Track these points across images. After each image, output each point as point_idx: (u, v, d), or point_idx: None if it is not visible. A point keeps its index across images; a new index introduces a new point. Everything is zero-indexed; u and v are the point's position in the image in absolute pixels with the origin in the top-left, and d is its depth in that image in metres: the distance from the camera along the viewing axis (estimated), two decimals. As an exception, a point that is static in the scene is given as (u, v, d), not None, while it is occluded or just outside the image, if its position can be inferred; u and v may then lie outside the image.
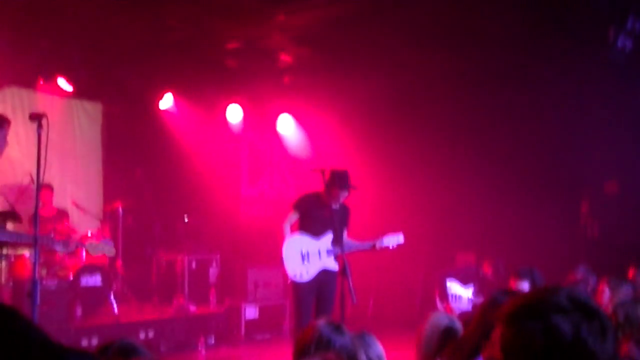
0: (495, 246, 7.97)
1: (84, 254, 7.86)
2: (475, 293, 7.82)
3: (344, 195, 5.84)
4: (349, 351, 2.64)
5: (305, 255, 5.77)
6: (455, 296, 7.71)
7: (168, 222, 9.53)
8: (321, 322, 2.73)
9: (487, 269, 7.88)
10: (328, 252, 5.83)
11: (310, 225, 5.87)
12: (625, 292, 3.78)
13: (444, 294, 7.72)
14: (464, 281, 7.79)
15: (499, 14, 6.96)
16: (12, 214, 4.63)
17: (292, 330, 5.93)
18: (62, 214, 8.39)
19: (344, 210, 6.02)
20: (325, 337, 2.63)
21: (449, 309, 7.69)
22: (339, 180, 5.72)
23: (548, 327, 1.30)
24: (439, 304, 7.81)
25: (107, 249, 4.89)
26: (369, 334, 2.92)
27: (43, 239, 4.35)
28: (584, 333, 1.29)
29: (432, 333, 2.69)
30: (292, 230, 5.93)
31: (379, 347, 2.87)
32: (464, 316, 7.76)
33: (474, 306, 7.72)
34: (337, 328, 2.70)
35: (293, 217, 5.92)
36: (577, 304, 1.32)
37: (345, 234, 6.04)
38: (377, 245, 5.90)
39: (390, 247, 5.92)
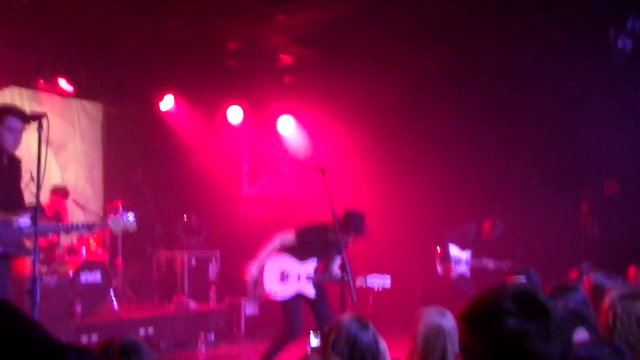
0: (496, 246, 7.98)
1: (84, 251, 7.88)
2: (472, 256, 7.89)
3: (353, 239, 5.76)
4: (373, 349, 2.68)
5: (284, 276, 5.80)
6: (455, 259, 7.78)
7: (168, 221, 9.55)
8: (347, 319, 2.76)
9: (487, 228, 7.92)
10: (308, 278, 5.83)
11: (301, 251, 5.89)
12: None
13: (446, 257, 7.77)
14: (463, 246, 7.86)
15: (499, 14, 6.97)
16: (41, 210, 4.68)
17: (283, 330, 5.93)
18: (59, 215, 8.36)
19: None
20: (352, 335, 2.67)
21: (448, 271, 7.73)
22: (355, 226, 5.62)
23: (493, 331, 1.32)
24: (438, 267, 7.84)
25: (129, 224, 4.86)
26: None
27: (69, 227, 4.40)
28: (529, 336, 1.30)
29: (427, 332, 2.70)
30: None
31: (382, 343, 2.89)
32: (461, 280, 7.82)
33: (472, 269, 7.82)
34: (364, 325, 2.74)
35: (290, 241, 5.84)
36: (523, 306, 1.33)
37: (337, 264, 5.93)
38: (359, 284, 5.58)
39: (375, 289, 5.69)
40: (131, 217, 4.83)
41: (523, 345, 1.30)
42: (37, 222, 4.21)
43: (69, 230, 4.23)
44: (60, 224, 4.80)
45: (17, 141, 4.41)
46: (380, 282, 5.68)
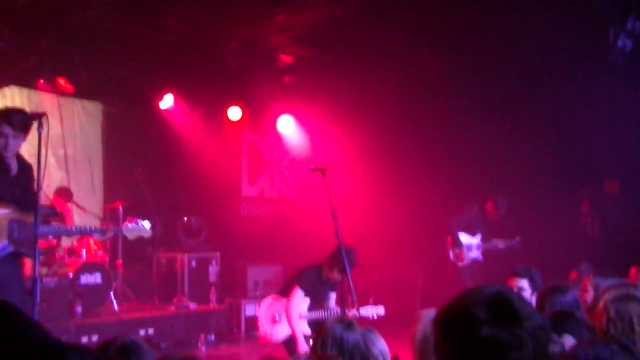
0: (502, 224, 8.01)
1: (84, 253, 7.88)
2: (483, 240, 7.91)
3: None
4: (360, 347, 2.68)
5: (277, 318, 5.88)
6: (467, 246, 7.81)
7: (168, 222, 9.54)
8: (330, 322, 2.77)
9: (490, 207, 7.92)
10: (302, 316, 5.88)
11: (290, 285, 6.00)
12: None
13: (457, 243, 7.81)
14: (472, 232, 7.88)
15: (499, 15, 6.96)
16: (54, 210, 4.69)
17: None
18: (60, 215, 8.37)
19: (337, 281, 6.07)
20: (338, 336, 2.67)
21: (460, 256, 7.75)
22: (348, 258, 5.64)
23: (464, 339, 1.31)
24: (451, 253, 7.85)
25: (144, 231, 4.82)
26: (373, 331, 2.93)
27: (83, 230, 4.39)
28: (502, 344, 1.29)
29: (423, 332, 2.69)
30: (282, 295, 5.98)
31: (382, 344, 2.89)
32: (472, 267, 7.81)
33: (484, 253, 7.85)
34: (349, 325, 2.74)
35: (300, 295, 5.90)
36: (495, 314, 1.32)
37: (333, 299, 6.11)
38: (352, 314, 5.58)
39: (371, 318, 5.73)
40: (147, 224, 4.79)
41: (494, 353, 1.29)
42: (37, 223, 4.20)
43: (82, 233, 4.20)
44: (74, 227, 4.80)
45: (6, 146, 4.35)
46: (373, 311, 5.81)
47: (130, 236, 4.80)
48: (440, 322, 1.40)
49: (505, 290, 1.42)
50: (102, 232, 4.69)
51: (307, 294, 5.90)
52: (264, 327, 5.87)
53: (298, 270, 6.19)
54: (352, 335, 2.74)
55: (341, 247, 5.64)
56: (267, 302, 6.04)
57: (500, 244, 7.90)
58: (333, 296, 6.17)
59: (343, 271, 5.60)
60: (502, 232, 8.05)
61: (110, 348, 2.27)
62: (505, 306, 1.34)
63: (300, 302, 5.87)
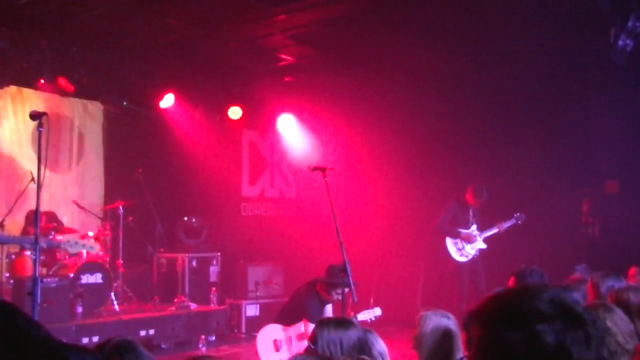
0: (496, 245, 7.97)
1: (84, 252, 7.87)
2: (479, 229, 7.86)
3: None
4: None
5: (278, 345, 5.87)
6: (466, 234, 7.74)
7: (168, 222, 9.54)
8: (325, 320, 2.79)
9: (470, 198, 7.86)
10: (300, 336, 5.90)
11: (292, 317, 6.00)
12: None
13: (456, 235, 7.76)
14: (465, 226, 7.81)
15: (499, 15, 6.96)
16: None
17: None
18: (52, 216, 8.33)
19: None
20: (337, 335, 2.70)
21: (464, 250, 7.70)
22: (346, 276, 5.65)
23: (529, 336, 1.22)
24: (452, 250, 7.79)
25: (88, 245, 4.91)
26: (372, 332, 2.94)
27: (17, 240, 4.40)
28: (568, 343, 1.22)
29: (429, 333, 2.70)
30: (282, 323, 6.01)
31: (382, 344, 2.89)
32: (474, 262, 7.71)
33: (485, 240, 7.81)
34: (345, 323, 2.76)
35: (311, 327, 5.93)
36: (560, 311, 1.25)
37: (329, 312, 6.22)
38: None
39: (369, 321, 5.77)
40: (90, 243, 4.88)
41: (564, 353, 1.21)
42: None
43: (14, 242, 4.21)
44: (12, 236, 4.92)
45: None
46: (370, 314, 5.85)
47: (71, 250, 4.93)
48: (495, 318, 1.27)
49: (559, 290, 1.33)
50: (48, 243, 4.71)
51: (314, 321, 5.94)
52: (266, 356, 5.81)
53: (297, 299, 6.18)
54: (354, 332, 2.77)
55: (335, 269, 5.76)
56: (266, 330, 5.99)
57: (501, 226, 7.82)
58: (329, 308, 6.22)
59: (338, 292, 5.79)
60: (498, 214, 8.01)
61: (105, 348, 2.28)
62: (568, 304, 1.27)
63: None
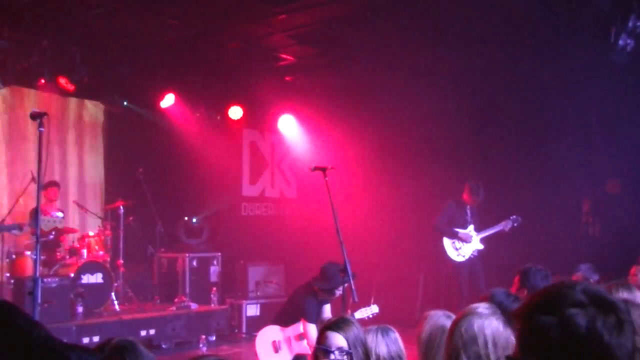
0: (496, 245, 7.97)
1: (84, 252, 7.88)
2: (477, 229, 7.84)
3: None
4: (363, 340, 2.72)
5: (277, 346, 5.88)
6: (464, 235, 7.72)
7: (169, 221, 9.54)
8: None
9: (467, 197, 7.85)
10: (298, 336, 5.91)
11: (291, 317, 5.99)
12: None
13: (454, 235, 7.74)
14: (462, 227, 7.79)
15: (500, 13, 6.96)
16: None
17: None
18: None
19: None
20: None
21: (461, 249, 7.68)
22: (346, 276, 5.66)
23: (562, 320, 1.28)
24: (450, 250, 7.77)
25: (57, 221, 5.00)
26: (390, 329, 2.94)
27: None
28: (599, 327, 1.26)
29: (432, 333, 2.70)
30: (280, 324, 6.02)
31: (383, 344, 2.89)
32: (473, 261, 7.69)
33: (482, 240, 7.79)
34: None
35: (312, 328, 5.89)
36: (592, 298, 1.30)
37: (328, 311, 6.24)
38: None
39: (366, 319, 5.75)
40: (59, 214, 5.04)
41: (595, 335, 1.26)
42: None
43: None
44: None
45: None
46: (367, 312, 5.85)
47: (46, 227, 5.10)
48: (534, 312, 1.33)
49: (586, 281, 1.41)
50: (19, 227, 4.81)
51: (313, 320, 5.94)
52: (265, 357, 5.81)
53: (295, 299, 6.17)
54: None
55: (330, 266, 5.80)
56: (264, 332, 6.00)
57: (498, 227, 7.82)
58: (327, 308, 6.22)
59: (332, 293, 5.87)
60: (496, 215, 8.00)
61: (105, 348, 2.27)
62: (599, 292, 1.32)
63: (313, 332, 5.88)
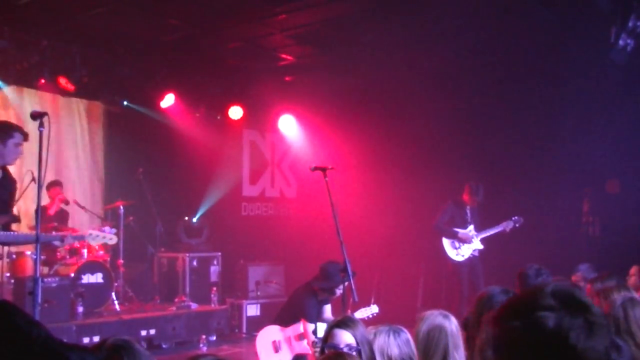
0: (496, 245, 7.97)
1: (85, 252, 7.88)
2: (477, 229, 7.84)
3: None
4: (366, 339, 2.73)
5: (277, 346, 5.89)
6: (463, 235, 7.71)
7: (169, 221, 9.54)
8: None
9: (467, 197, 7.84)
10: (298, 336, 5.92)
11: (291, 317, 6.01)
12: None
13: (453, 235, 7.74)
14: (462, 227, 7.79)
15: (499, 14, 6.96)
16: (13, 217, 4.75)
17: None
18: (64, 214, 8.41)
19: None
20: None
21: (460, 250, 7.68)
22: (346, 276, 5.73)
23: (530, 324, 1.27)
24: (449, 250, 7.77)
25: (107, 237, 4.91)
26: (402, 329, 2.94)
27: (42, 236, 4.39)
28: (566, 328, 1.25)
29: (429, 333, 2.70)
30: (280, 324, 6.02)
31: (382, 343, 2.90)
32: (473, 261, 7.68)
33: (482, 240, 7.78)
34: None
35: (311, 327, 5.94)
36: (562, 301, 1.29)
37: (328, 311, 6.28)
38: None
39: (366, 319, 5.74)
40: (111, 233, 4.91)
41: (566, 341, 1.25)
42: (39, 224, 4.20)
43: (39, 240, 4.20)
44: (29, 234, 4.99)
45: (19, 155, 4.71)
46: (367, 312, 5.86)
47: (93, 242, 5.12)
48: (504, 316, 1.34)
49: (564, 284, 1.40)
50: (60, 239, 4.75)
51: (312, 320, 5.94)
52: (265, 357, 5.82)
53: (295, 299, 6.20)
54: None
55: (330, 266, 5.83)
56: (265, 332, 6.01)
57: (499, 228, 7.81)
58: (327, 308, 6.22)
59: (333, 292, 5.90)
60: (496, 215, 7.99)
61: (102, 348, 2.27)
62: (570, 295, 1.31)
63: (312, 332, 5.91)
